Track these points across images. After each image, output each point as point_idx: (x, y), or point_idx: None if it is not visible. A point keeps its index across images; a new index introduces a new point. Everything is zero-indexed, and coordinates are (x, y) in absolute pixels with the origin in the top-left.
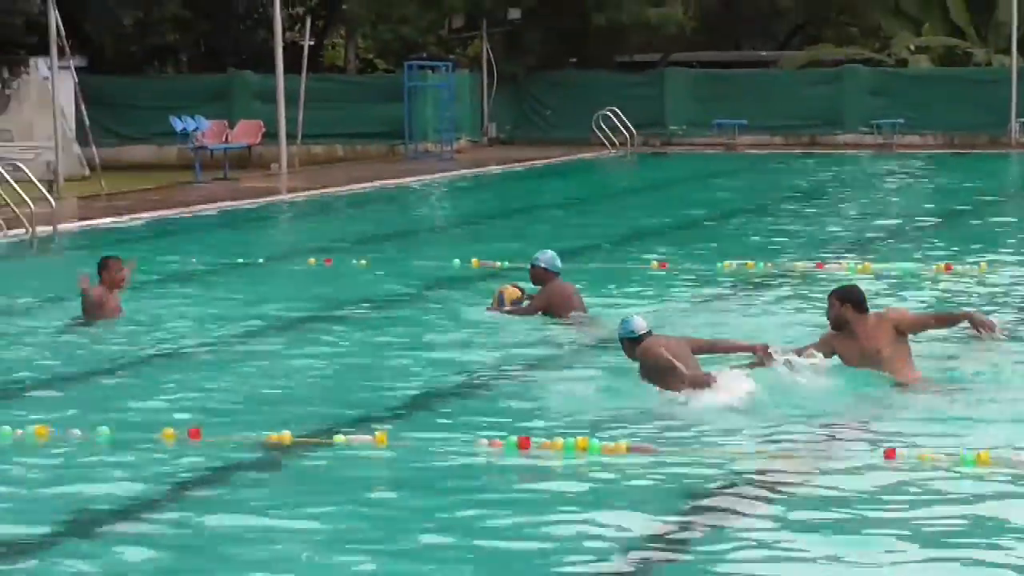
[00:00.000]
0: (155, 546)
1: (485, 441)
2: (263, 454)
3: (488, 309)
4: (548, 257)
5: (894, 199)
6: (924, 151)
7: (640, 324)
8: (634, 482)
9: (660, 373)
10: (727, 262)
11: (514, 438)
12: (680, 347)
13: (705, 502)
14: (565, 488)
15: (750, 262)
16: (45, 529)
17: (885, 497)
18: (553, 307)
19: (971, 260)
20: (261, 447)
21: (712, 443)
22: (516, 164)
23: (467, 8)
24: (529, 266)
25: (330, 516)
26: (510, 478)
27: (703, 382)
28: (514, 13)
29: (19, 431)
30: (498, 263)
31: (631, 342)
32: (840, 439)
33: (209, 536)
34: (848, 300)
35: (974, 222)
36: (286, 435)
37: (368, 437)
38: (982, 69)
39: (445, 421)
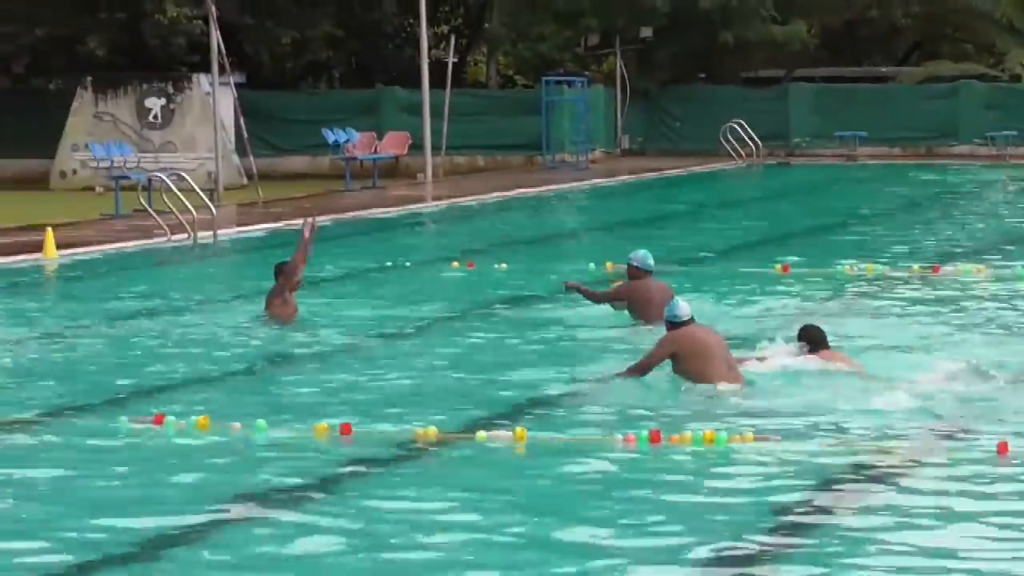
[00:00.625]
0: (315, 531)
1: (620, 436)
2: (409, 449)
3: (567, 284)
4: (640, 256)
5: (1007, 207)
6: None
7: (685, 310)
8: (759, 469)
9: (697, 360)
10: (848, 266)
11: (645, 432)
12: (720, 340)
13: (826, 490)
14: (694, 478)
15: (870, 265)
16: (208, 517)
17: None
18: (632, 303)
19: None
20: (408, 442)
21: (829, 432)
22: (648, 174)
23: (602, 27)
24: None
25: (477, 509)
26: (645, 470)
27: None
28: (646, 32)
29: (182, 422)
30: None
31: (673, 325)
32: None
33: (369, 520)
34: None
35: None
36: (432, 431)
37: (508, 434)
38: None
39: (580, 417)
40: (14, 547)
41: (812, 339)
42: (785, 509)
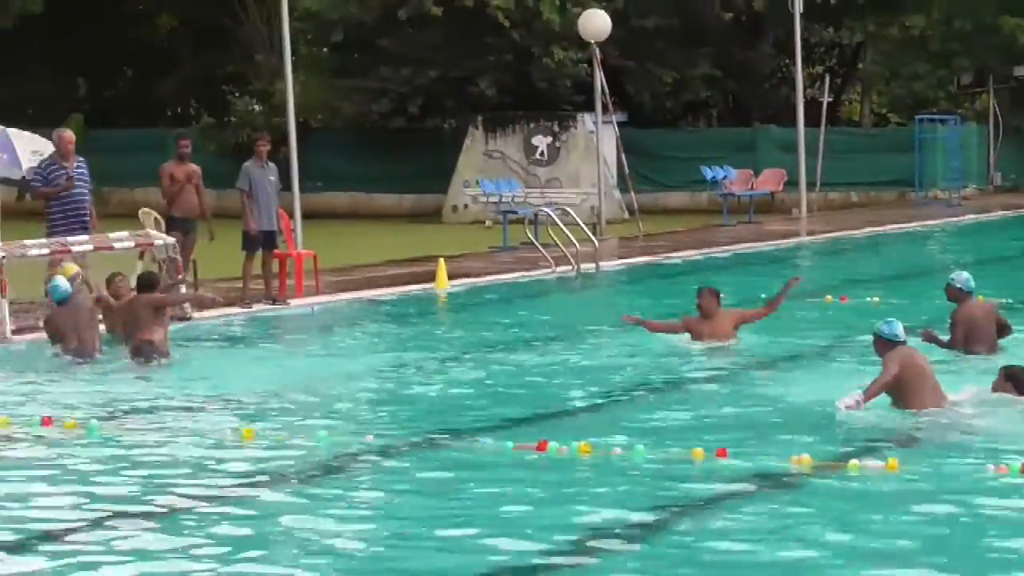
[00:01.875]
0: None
1: (992, 466)
2: (781, 477)
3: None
4: (964, 278)
5: None
6: None
7: (902, 330)
8: None
9: (913, 384)
10: None
11: (1018, 463)
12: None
13: None
14: None
15: None
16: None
17: None
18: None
19: None
20: (781, 470)
21: None
22: (1020, 210)
23: (975, 66)
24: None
25: (859, 536)
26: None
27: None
28: (1020, 70)
29: (564, 447)
30: (1003, 300)
31: (886, 343)
32: None
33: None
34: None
35: None
36: (806, 458)
37: (880, 463)
38: None
39: (954, 447)
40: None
41: (1016, 379)
42: None
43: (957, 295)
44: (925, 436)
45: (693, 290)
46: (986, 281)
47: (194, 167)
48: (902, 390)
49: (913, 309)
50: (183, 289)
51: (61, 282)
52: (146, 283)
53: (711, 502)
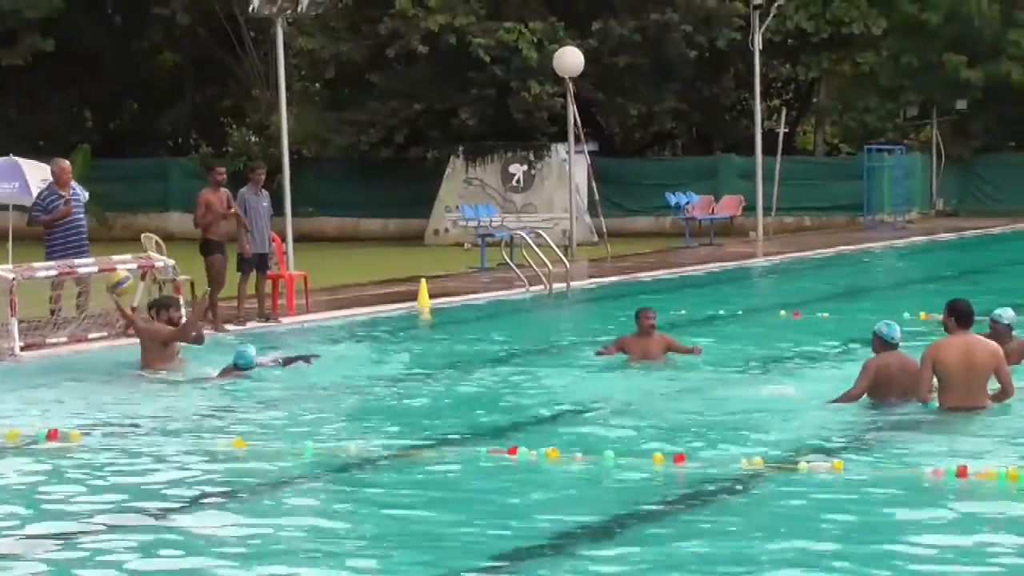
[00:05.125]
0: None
1: (930, 469)
2: (734, 480)
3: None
4: (1011, 315)
5: None
6: None
7: (899, 335)
8: None
9: (881, 387)
10: None
11: (954, 467)
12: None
13: None
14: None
15: None
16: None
17: None
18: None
19: None
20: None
21: None
22: (960, 233)
23: (920, 100)
24: (990, 321)
25: (801, 537)
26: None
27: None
28: (961, 104)
29: (533, 452)
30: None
31: (883, 343)
32: None
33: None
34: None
35: None
36: (757, 460)
37: (827, 464)
38: None
39: (897, 451)
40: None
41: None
42: None
43: (1004, 332)
44: (875, 437)
45: (658, 307)
46: (928, 299)
47: (227, 191)
48: (871, 393)
49: (860, 323)
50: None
51: (250, 350)
52: (160, 305)
53: (671, 504)
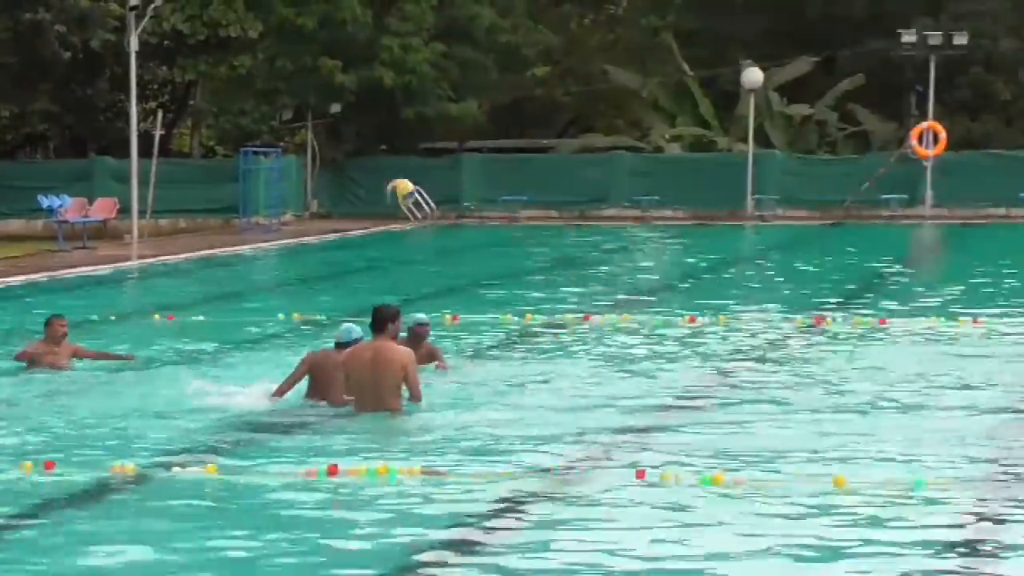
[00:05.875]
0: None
1: (303, 470)
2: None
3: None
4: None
5: (650, 262)
6: (675, 223)
7: (356, 334)
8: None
9: (322, 381)
10: (507, 315)
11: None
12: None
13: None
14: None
15: (528, 314)
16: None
17: None
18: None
19: (712, 312)
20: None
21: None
22: (332, 234)
23: (295, 103)
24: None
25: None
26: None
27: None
28: (335, 107)
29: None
30: (318, 316)
31: (343, 345)
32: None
33: None
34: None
35: (715, 279)
36: (130, 467)
37: (201, 468)
38: (724, 155)
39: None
40: None
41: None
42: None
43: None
44: (255, 438)
45: (36, 313)
46: (300, 300)
47: None
48: (311, 387)
49: (235, 325)
50: None
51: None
52: None
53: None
